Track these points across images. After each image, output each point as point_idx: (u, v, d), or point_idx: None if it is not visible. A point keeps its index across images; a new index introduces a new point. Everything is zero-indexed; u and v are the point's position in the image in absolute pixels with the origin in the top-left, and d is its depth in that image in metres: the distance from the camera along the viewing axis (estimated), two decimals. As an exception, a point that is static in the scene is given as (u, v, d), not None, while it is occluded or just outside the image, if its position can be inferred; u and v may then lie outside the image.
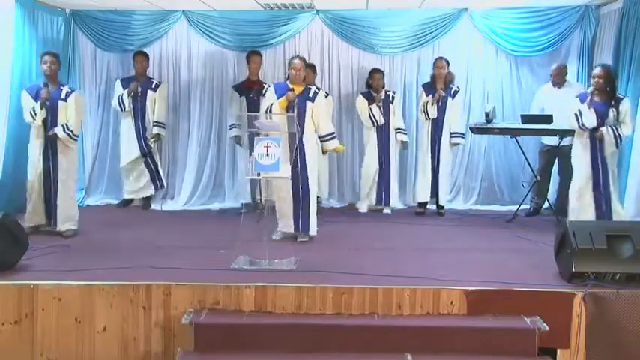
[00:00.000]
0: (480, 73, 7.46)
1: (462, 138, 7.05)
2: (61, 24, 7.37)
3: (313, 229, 5.61)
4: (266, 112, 5.52)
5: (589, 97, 5.55)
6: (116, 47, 7.45)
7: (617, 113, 5.49)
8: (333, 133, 5.81)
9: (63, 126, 5.62)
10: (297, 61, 5.56)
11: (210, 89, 7.58)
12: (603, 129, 5.48)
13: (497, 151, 7.53)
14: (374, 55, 7.49)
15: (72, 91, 5.76)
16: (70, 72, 7.45)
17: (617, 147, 5.55)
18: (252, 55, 7.12)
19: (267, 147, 4.83)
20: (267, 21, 7.40)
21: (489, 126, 6.59)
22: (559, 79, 6.79)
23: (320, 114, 5.63)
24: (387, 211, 7.10)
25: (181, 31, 7.56)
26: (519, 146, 6.73)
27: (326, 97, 7.07)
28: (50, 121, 5.62)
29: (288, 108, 5.47)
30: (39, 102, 5.54)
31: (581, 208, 5.61)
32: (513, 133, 6.66)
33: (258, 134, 5.12)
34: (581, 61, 7.13)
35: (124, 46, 7.45)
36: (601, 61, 6.65)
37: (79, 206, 7.09)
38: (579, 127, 5.57)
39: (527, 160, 6.75)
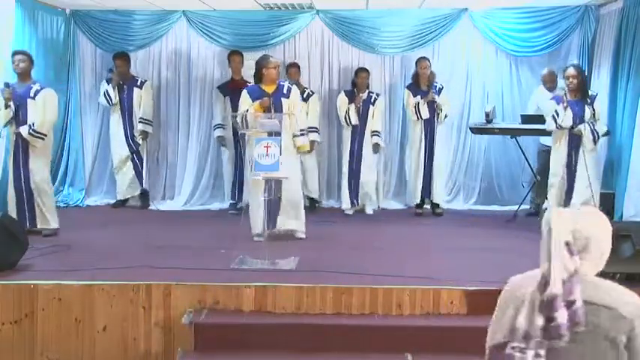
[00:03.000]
0: (480, 73, 7.46)
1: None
2: (61, 24, 7.37)
3: (300, 229, 5.57)
4: (242, 118, 5.33)
5: (564, 98, 5.65)
6: (116, 47, 7.44)
7: (594, 111, 5.62)
8: (303, 130, 5.73)
9: (29, 125, 5.51)
10: (274, 60, 5.56)
11: (210, 89, 7.56)
12: (581, 126, 5.59)
13: (497, 151, 7.53)
14: (374, 55, 7.48)
15: (42, 88, 5.61)
16: (70, 72, 7.46)
17: (594, 143, 5.64)
18: (232, 55, 7.13)
19: (267, 147, 4.83)
20: (267, 21, 7.40)
21: (489, 126, 6.60)
22: (551, 84, 6.81)
23: (296, 109, 5.57)
24: (348, 212, 7.03)
25: (181, 31, 7.56)
26: (519, 146, 6.73)
27: (311, 95, 7.09)
28: (20, 120, 5.52)
29: (265, 109, 5.45)
30: (3, 103, 5.47)
31: (550, 203, 5.77)
32: (513, 133, 6.66)
33: (244, 134, 5.08)
34: (581, 61, 7.10)
35: (124, 46, 7.44)
36: (601, 61, 6.66)
37: (79, 206, 7.15)
38: (557, 127, 5.67)
39: (527, 160, 6.75)
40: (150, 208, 7.32)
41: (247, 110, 5.44)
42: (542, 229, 1.86)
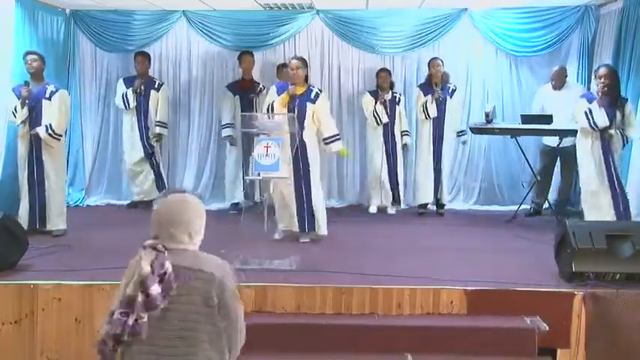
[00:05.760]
0: (480, 73, 7.47)
1: (466, 134, 7.19)
2: (61, 24, 7.37)
3: (322, 229, 5.58)
4: (267, 110, 5.50)
5: (598, 97, 5.44)
6: (116, 47, 7.45)
7: (622, 115, 5.44)
8: (337, 135, 5.69)
9: (46, 126, 5.57)
10: (293, 60, 5.55)
11: (211, 89, 7.58)
12: (612, 130, 5.40)
13: (497, 151, 7.53)
14: (374, 55, 7.49)
15: (57, 90, 5.70)
16: (70, 72, 7.46)
17: (622, 148, 5.54)
18: (244, 55, 7.12)
19: (267, 147, 4.83)
20: (267, 21, 7.40)
21: (489, 126, 6.59)
22: (559, 82, 6.78)
23: (323, 116, 5.54)
24: (391, 211, 7.10)
25: (181, 31, 7.56)
26: (519, 146, 6.73)
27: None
28: (34, 121, 5.57)
29: (289, 108, 5.46)
30: (20, 101, 5.52)
31: (595, 210, 5.45)
32: (513, 133, 6.66)
33: (258, 134, 5.10)
34: (581, 61, 7.13)
35: (124, 46, 7.45)
36: (601, 61, 6.65)
37: (79, 206, 7.15)
38: (590, 126, 5.42)
39: (527, 160, 6.75)
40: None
41: (272, 102, 5.51)
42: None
